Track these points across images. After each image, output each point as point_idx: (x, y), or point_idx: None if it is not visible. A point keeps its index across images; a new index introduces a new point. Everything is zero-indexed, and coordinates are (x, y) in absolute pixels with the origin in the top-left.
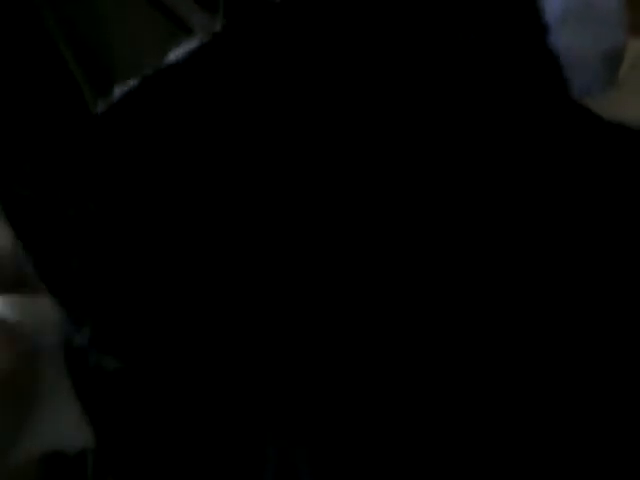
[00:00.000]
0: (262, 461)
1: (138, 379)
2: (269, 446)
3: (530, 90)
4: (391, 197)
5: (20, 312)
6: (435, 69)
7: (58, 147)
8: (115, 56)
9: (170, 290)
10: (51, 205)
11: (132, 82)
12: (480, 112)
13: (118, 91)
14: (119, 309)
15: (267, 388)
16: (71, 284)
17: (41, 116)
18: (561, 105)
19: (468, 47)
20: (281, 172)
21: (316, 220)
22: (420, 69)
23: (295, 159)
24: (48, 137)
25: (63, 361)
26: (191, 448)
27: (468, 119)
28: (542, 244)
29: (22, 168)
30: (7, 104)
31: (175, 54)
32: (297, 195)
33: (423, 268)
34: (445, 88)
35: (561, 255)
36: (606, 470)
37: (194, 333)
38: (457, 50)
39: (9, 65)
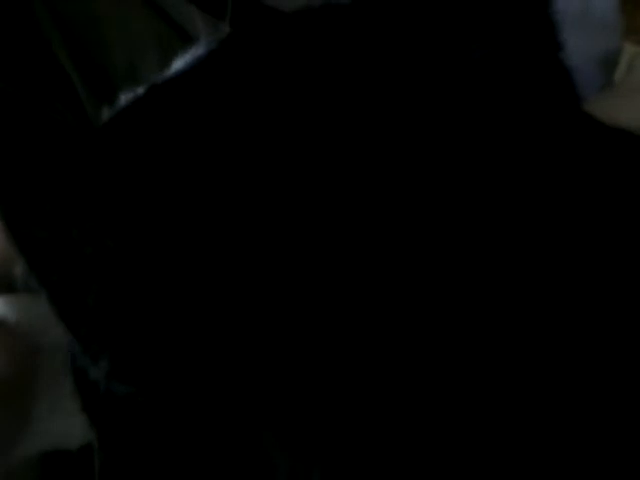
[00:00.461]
0: (272, 472)
1: (151, 403)
2: (278, 457)
3: (533, 97)
4: (394, 203)
5: (20, 312)
6: (441, 79)
7: (68, 178)
8: (112, 59)
9: (187, 322)
10: (68, 245)
11: (138, 90)
12: (482, 117)
13: (123, 99)
14: (136, 342)
15: (273, 399)
16: (88, 320)
17: (43, 135)
18: (562, 110)
19: (474, 56)
20: (288, 182)
21: (318, 224)
22: (426, 77)
23: (301, 168)
24: (55, 166)
25: (63, 361)
26: (199, 463)
27: (470, 124)
28: (541, 246)
29: (38, 210)
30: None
31: (182, 61)
32: (302, 204)
33: (422, 269)
34: (449, 96)
35: (562, 258)
36: (606, 470)
37: (207, 359)
38: (463, 58)
39: (5, 69)
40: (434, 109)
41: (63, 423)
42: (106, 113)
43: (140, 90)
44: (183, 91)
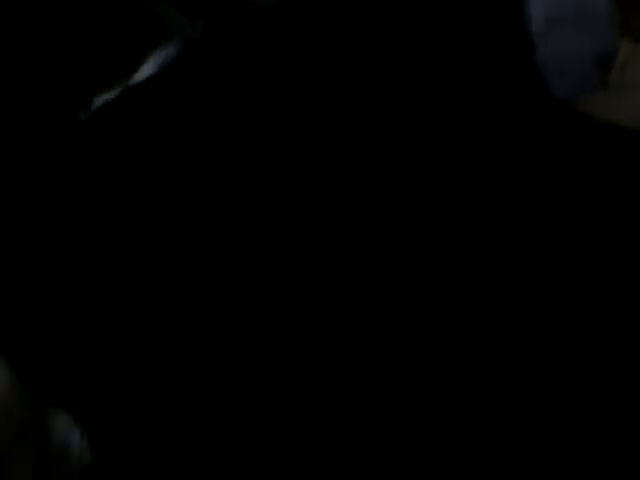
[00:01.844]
0: None
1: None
2: None
3: (519, 92)
4: (386, 195)
5: None
6: (427, 71)
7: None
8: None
9: (169, 294)
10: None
11: (114, 91)
12: (473, 114)
13: (100, 100)
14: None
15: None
16: None
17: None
18: (552, 107)
19: (460, 49)
20: (270, 179)
21: (312, 219)
22: (409, 71)
23: (283, 163)
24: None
25: (22, 440)
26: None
27: (462, 121)
28: (537, 245)
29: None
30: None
31: (156, 59)
32: (291, 198)
33: (420, 267)
34: (439, 89)
35: (558, 254)
36: (606, 470)
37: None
38: (448, 52)
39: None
40: (422, 104)
41: None
42: (83, 114)
43: (115, 93)
44: (158, 89)
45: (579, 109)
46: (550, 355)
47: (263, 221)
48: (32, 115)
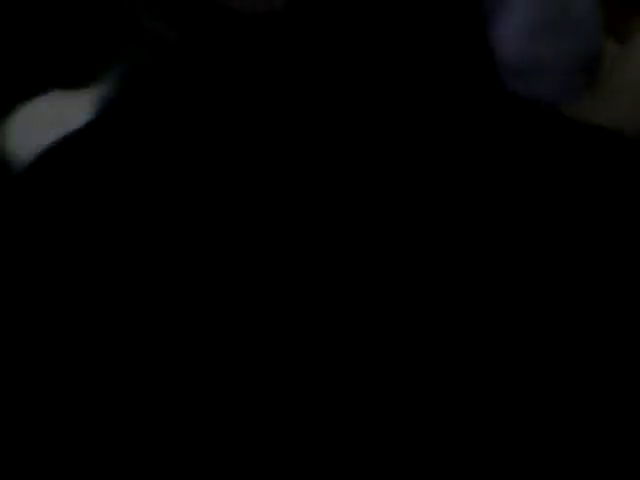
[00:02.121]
0: None
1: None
2: None
3: (477, 92)
4: (379, 198)
5: None
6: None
7: None
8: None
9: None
10: None
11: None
12: (447, 118)
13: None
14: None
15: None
16: None
17: None
18: (536, 109)
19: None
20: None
21: (311, 222)
22: (382, 77)
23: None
24: None
25: None
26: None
27: (445, 126)
28: (530, 249)
29: None
30: None
31: (92, 102)
32: (287, 207)
33: (416, 268)
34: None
35: (550, 257)
36: (606, 470)
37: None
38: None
39: None
40: (410, 113)
41: None
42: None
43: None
44: (102, 136)
45: (563, 111)
46: (547, 358)
47: (260, 230)
48: None
